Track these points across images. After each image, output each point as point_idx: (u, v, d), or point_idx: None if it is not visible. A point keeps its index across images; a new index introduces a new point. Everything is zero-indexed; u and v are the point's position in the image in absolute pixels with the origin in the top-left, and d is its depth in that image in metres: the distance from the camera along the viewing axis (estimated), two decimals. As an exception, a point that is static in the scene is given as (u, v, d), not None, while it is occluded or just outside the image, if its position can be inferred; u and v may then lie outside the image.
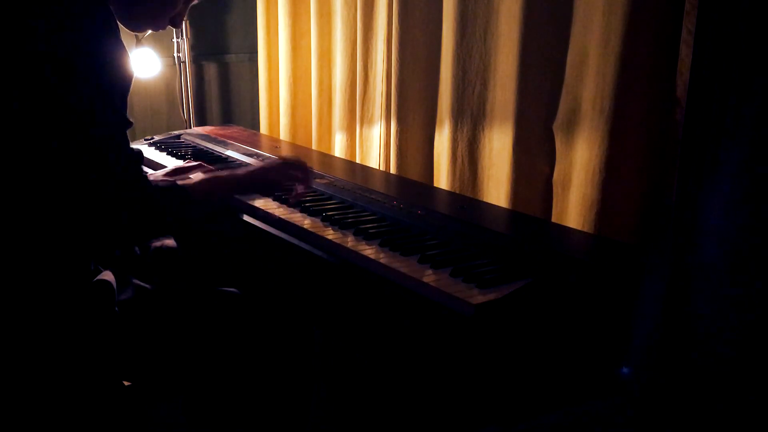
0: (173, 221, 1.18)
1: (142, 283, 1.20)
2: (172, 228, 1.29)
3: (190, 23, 2.66)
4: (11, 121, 0.96)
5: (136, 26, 1.21)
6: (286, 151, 2.04)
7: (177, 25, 1.27)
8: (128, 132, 1.07)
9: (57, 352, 1.04)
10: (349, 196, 1.49)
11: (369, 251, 1.18)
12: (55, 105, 0.97)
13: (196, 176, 1.33)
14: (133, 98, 2.74)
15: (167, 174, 1.57)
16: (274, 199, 1.49)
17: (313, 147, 2.47)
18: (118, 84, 1.04)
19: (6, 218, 1.00)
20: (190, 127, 2.66)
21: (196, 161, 1.69)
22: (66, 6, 0.97)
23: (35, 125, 0.97)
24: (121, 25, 1.11)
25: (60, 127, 0.98)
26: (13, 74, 0.95)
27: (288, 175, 1.40)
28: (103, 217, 1.03)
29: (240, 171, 1.38)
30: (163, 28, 1.24)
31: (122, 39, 1.05)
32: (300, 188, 1.41)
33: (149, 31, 1.27)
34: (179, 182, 1.23)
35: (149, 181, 1.13)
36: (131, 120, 1.10)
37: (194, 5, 1.29)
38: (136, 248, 1.40)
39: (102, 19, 1.01)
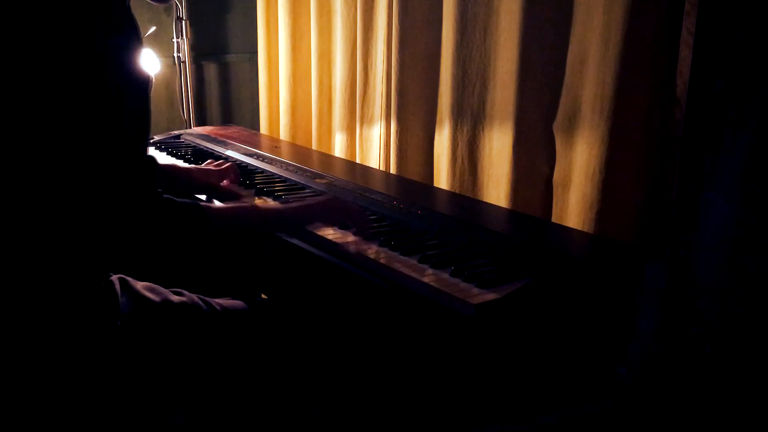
0: (185, 241, 1.08)
1: (147, 294, 1.18)
2: (184, 246, 1.14)
3: (190, 23, 2.65)
4: (19, 123, 0.94)
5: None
6: (286, 152, 2.04)
7: None
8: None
9: (58, 357, 1.04)
10: (349, 196, 1.49)
11: (369, 251, 1.18)
12: (63, 105, 0.94)
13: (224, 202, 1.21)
14: (133, 98, 2.75)
15: (197, 171, 1.56)
16: (273, 199, 1.49)
17: (313, 147, 2.47)
18: (131, 86, 0.99)
19: (12, 222, 0.99)
20: (190, 127, 2.66)
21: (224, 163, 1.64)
22: (81, 3, 0.93)
23: (42, 124, 0.94)
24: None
25: (68, 127, 0.95)
26: (23, 74, 0.92)
27: (336, 219, 1.29)
28: (109, 227, 1.00)
29: (283, 207, 1.26)
30: None
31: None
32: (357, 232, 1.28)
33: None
34: (202, 203, 1.12)
35: (160, 195, 1.05)
36: (149, 129, 1.04)
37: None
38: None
39: (119, 17, 0.98)
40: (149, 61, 2.59)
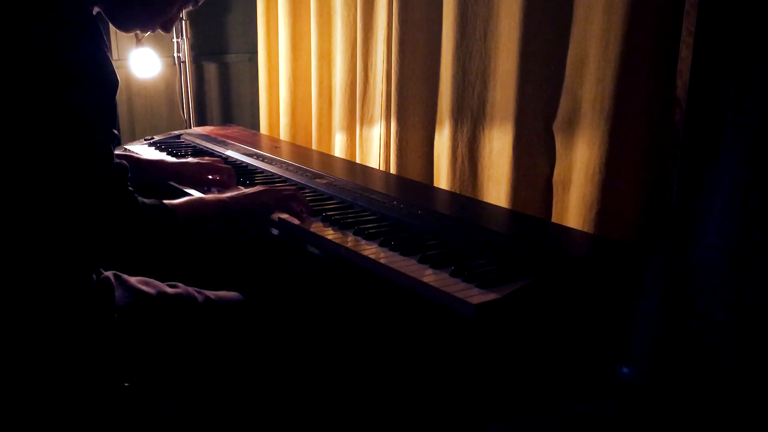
0: (159, 240, 1.11)
1: (142, 287, 1.19)
2: (161, 245, 1.18)
3: (190, 23, 2.65)
4: None
5: (125, 28, 1.18)
6: (286, 152, 2.04)
7: (167, 29, 1.21)
8: (127, 132, 1.04)
9: (56, 354, 1.04)
10: (349, 196, 1.49)
11: (369, 251, 1.18)
12: (28, 112, 0.93)
13: (189, 197, 1.25)
14: (133, 98, 2.75)
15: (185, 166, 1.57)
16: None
17: (313, 147, 2.47)
18: (95, 93, 0.99)
19: None
20: (190, 127, 2.66)
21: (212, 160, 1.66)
22: (43, 10, 0.93)
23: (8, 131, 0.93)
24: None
25: (34, 135, 0.94)
26: None
27: (282, 201, 1.33)
28: (86, 228, 1.00)
29: (229, 194, 1.31)
30: (153, 31, 1.20)
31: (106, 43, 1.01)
32: (297, 220, 1.33)
33: (138, 31, 1.22)
34: (166, 201, 1.14)
35: (135, 197, 1.06)
36: (116, 132, 1.03)
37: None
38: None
39: (82, 23, 0.97)
40: (149, 61, 2.59)
